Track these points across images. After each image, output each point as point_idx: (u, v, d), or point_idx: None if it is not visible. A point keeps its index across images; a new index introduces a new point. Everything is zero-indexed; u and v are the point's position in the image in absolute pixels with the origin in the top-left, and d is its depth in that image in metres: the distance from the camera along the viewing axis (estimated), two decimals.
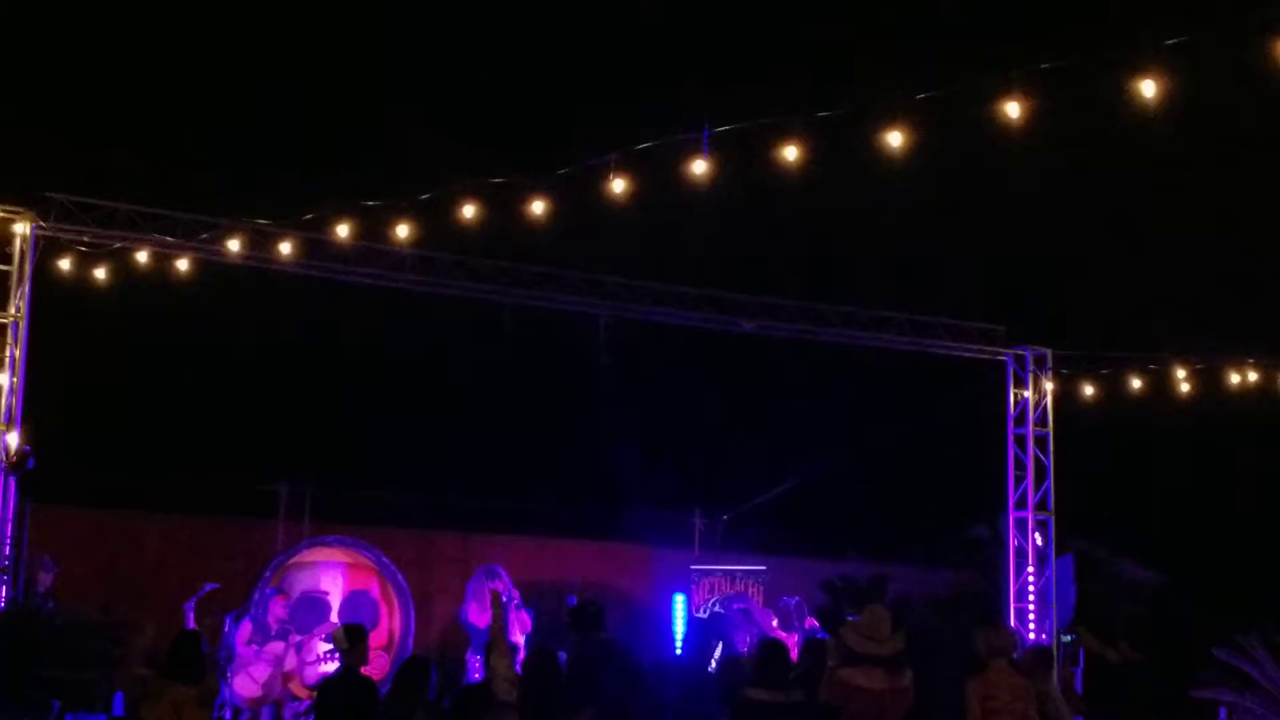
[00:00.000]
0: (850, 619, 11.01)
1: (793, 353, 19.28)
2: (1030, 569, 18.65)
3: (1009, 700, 10.96)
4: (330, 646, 17.23)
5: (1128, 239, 21.42)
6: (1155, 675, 13.28)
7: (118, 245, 15.10)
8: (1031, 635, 18.28)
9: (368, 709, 9.82)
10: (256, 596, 16.62)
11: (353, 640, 10.31)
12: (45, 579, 15.51)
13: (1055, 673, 13.67)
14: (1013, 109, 11.78)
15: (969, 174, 18.00)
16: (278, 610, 16.60)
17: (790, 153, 12.84)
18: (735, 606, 18.27)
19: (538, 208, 14.13)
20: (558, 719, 10.07)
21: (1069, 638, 14.60)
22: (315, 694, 11.38)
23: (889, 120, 12.34)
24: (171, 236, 15.15)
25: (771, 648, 10.48)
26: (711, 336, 18.10)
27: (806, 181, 13.32)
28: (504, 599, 16.91)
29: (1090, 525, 20.72)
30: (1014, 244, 21.05)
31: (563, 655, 11.80)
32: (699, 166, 13.15)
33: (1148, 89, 11.24)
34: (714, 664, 16.32)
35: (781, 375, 21.39)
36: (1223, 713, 18.89)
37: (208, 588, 16.23)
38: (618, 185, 13.42)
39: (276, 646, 16.33)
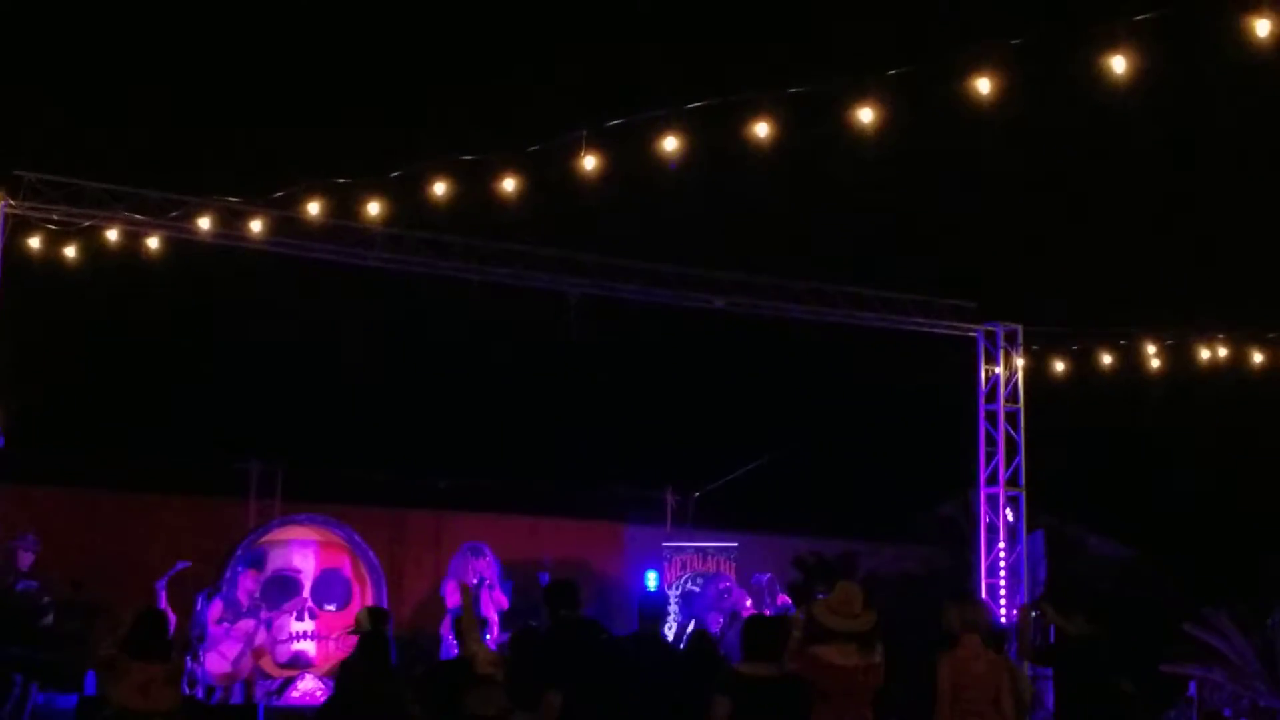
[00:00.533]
0: (820, 595, 11.03)
1: (764, 329, 19.31)
2: (1001, 545, 18.70)
3: (983, 674, 11.01)
4: (303, 626, 17.33)
5: (1097, 215, 21.48)
6: (1113, 650, 13.40)
7: (87, 224, 15.04)
8: (1003, 612, 18.33)
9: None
10: (228, 574, 16.60)
11: (374, 622, 10.76)
12: (26, 558, 15.46)
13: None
14: (983, 85, 11.81)
15: (939, 151, 18.03)
16: (248, 584, 16.59)
17: (761, 129, 12.84)
18: (721, 586, 18.25)
19: (508, 185, 14.10)
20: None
21: (1034, 613, 14.67)
22: (336, 673, 11.56)
23: (859, 97, 12.36)
24: (141, 215, 15.10)
25: (760, 623, 10.57)
26: (682, 313, 18.10)
27: (777, 158, 13.32)
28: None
29: (1061, 501, 20.80)
30: (985, 220, 21.09)
31: None
32: (670, 143, 13.15)
33: (1117, 65, 11.28)
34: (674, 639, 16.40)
35: (753, 352, 21.39)
36: (1192, 686, 19.05)
37: (179, 566, 16.19)
38: (588, 162, 13.40)
39: (247, 624, 16.32)
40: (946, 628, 11.36)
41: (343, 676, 11.14)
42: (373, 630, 10.92)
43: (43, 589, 15.33)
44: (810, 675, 9.86)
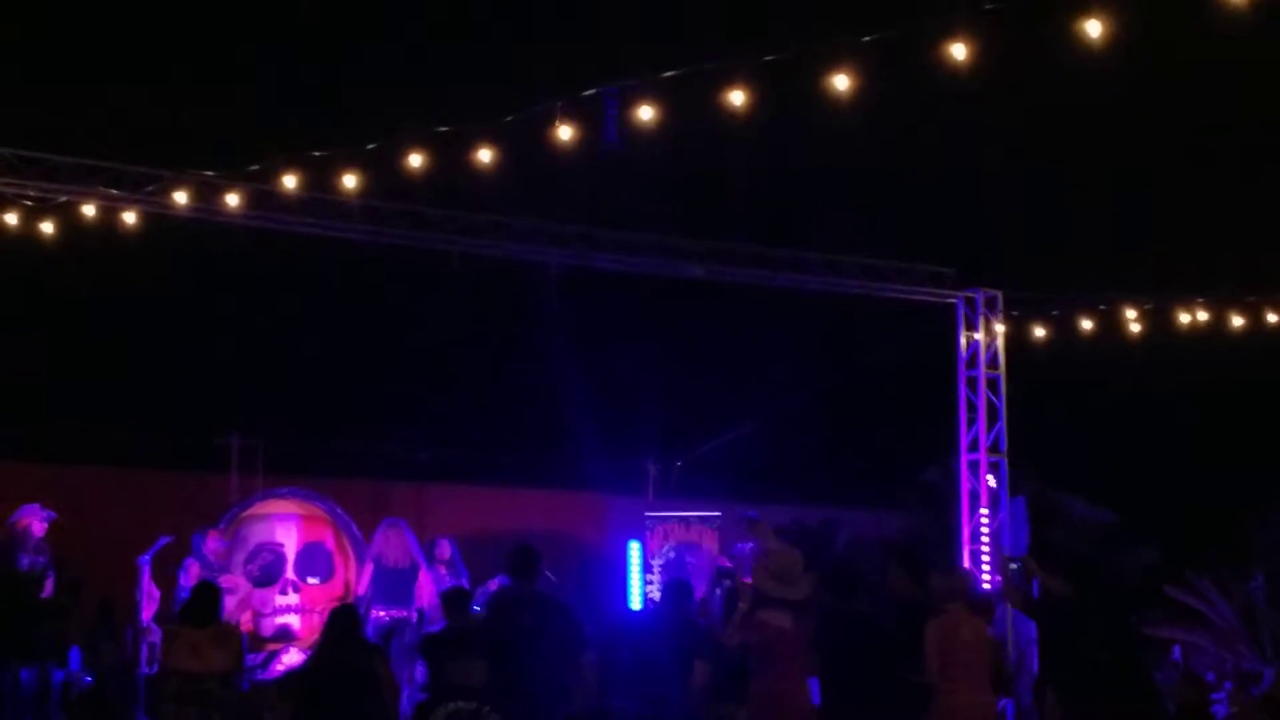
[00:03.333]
0: (763, 559, 11.05)
1: (744, 298, 19.30)
2: (983, 511, 18.71)
3: (971, 641, 11.11)
4: (287, 600, 17.34)
5: (1076, 179, 21.46)
6: (1094, 614, 13.54)
7: (64, 199, 14.98)
8: (985, 578, 18.36)
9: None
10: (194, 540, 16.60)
11: (457, 604, 11.87)
12: (39, 528, 15.48)
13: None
14: (960, 50, 11.78)
15: (917, 117, 17.99)
16: (212, 545, 16.56)
17: (738, 97, 12.81)
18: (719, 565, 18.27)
19: (485, 156, 14.06)
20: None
21: (1014, 565, 14.79)
22: (423, 648, 12.14)
23: (835, 62, 12.31)
24: (118, 190, 15.05)
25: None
26: (663, 282, 18.10)
27: (754, 126, 13.29)
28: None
29: (1043, 467, 20.84)
30: (963, 186, 21.06)
31: None
32: (645, 111, 13.13)
33: (1094, 29, 11.25)
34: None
35: (733, 320, 21.39)
36: (1175, 650, 19.14)
37: (161, 542, 16.20)
38: (564, 132, 13.37)
39: (226, 579, 16.32)
40: (930, 596, 11.46)
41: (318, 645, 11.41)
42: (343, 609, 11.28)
43: (49, 562, 15.39)
44: (755, 641, 9.96)
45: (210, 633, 11.15)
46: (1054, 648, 12.12)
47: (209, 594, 11.69)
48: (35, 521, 15.50)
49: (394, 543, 17.28)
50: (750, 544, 18.29)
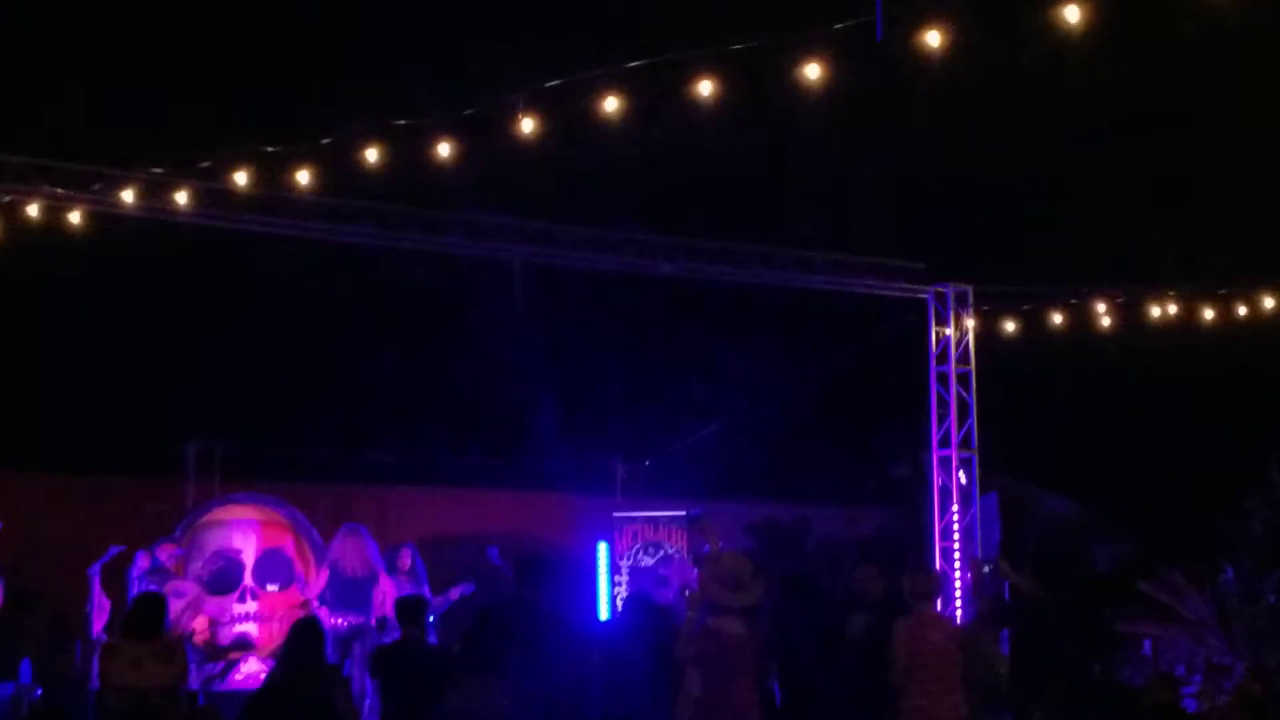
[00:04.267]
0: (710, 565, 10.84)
1: (713, 294, 19.17)
2: (955, 507, 18.64)
3: (942, 643, 10.99)
4: (245, 607, 17.03)
5: (1047, 175, 21.35)
6: (1063, 611, 13.53)
7: (7, 199, 14.61)
8: (957, 574, 18.27)
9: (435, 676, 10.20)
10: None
11: (413, 614, 11.40)
12: None
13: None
14: (932, 38, 11.59)
15: (888, 111, 17.86)
16: (166, 553, 16.24)
17: (705, 89, 12.58)
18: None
19: (445, 150, 13.75)
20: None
21: (987, 568, 14.69)
22: (374, 662, 11.79)
23: (806, 55, 12.11)
24: (63, 189, 14.69)
25: None
26: (629, 279, 17.93)
27: (723, 120, 13.11)
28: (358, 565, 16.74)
29: (1014, 462, 20.75)
30: (934, 181, 20.95)
31: None
32: (610, 104, 12.86)
33: (1071, 15, 11.08)
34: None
35: (702, 317, 21.23)
36: (1147, 645, 19.05)
37: (112, 552, 15.89)
38: (526, 125, 13.10)
39: (177, 584, 16.01)
40: (901, 596, 11.36)
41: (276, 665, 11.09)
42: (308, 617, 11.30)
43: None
44: (710, 651, 9.83)
45: (153, 646, 10.82)
46: (1022, 646, 12.03)
47: (151, 605, 11.29)
48: None
49: (352, 550, 16.95)
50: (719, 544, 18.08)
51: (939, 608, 11.88)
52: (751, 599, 10.20)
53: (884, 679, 10.94)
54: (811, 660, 11.37)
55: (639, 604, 11.86)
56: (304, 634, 10.38)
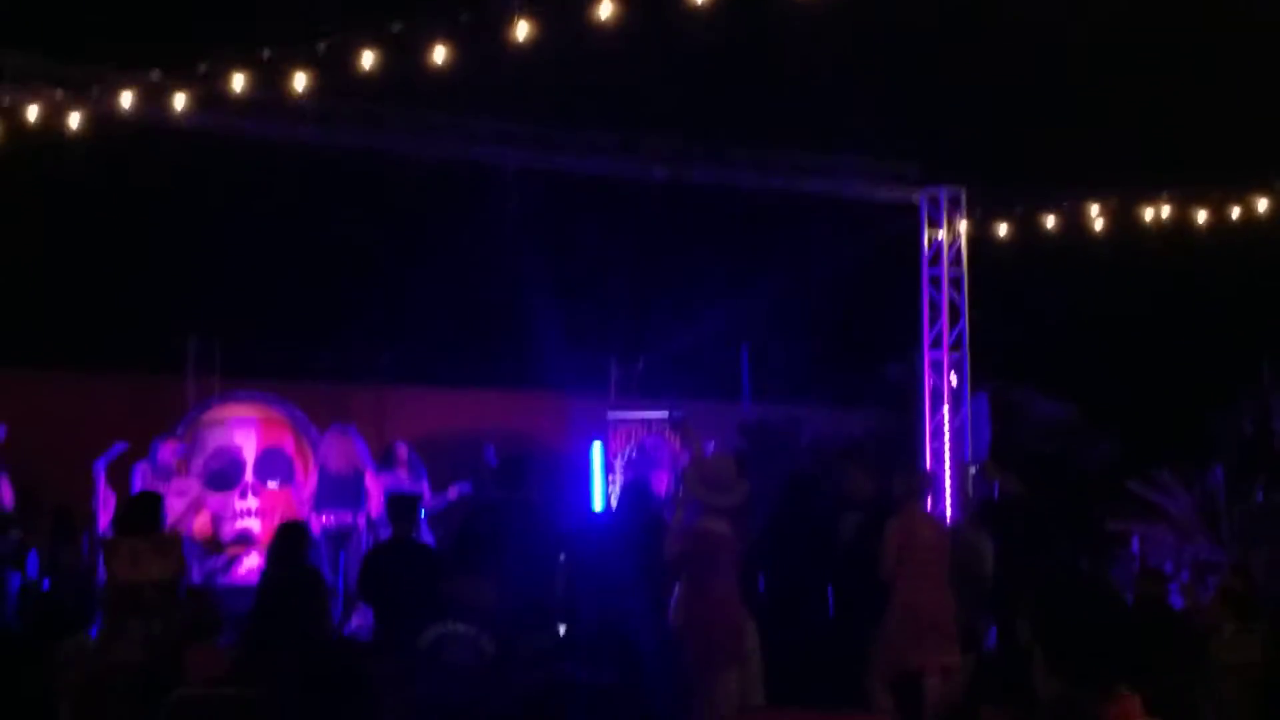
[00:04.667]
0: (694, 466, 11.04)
1: (706, 197, 19.17)
2: (945, 408, 18.78)
3: (931, 539, 11.22)
4: (246, 504, 17.26)
5: (1040, 75, 21.29)
6: (1048, 508, 13.72)
7: (7, 101, 14.69)
8: (948, 475, 18.45)
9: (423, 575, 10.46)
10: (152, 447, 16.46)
11: (402, 512, 11.63)
12: None
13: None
14: None
15: (879, 11, 17.80)
16: (168, 450, 16.42)
17: None
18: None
19: (439, 55, 13.80)
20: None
21: (974, 469, 14.88)
22: (365, 561, 12.01)
23: None
24: (61, 91, 14.76)
25: None
26: (623, 183, 17.96)
27: (714, 23, 13.12)
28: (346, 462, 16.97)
29: (1005, 364, 20.87)
30: (925, 82, 20.89)
31: None
32: (605, 9, 12.89)
33: None
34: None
35: (695, 220, 21.26)
36: (1135, 543, 19.28)
37: (118, 448, 16.07)
38: (521, 30, 13.13)
39: (182, 483, 16.22)
40: (891, 494, 11.56)
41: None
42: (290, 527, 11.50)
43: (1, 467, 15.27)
44: (696, 550, 9.98)
45: (150, 541, 11.00)
46: (1008, 544, 12.22)
47: (148, 503, 11.56)
48: None
49: (338, 449, 17.16)
50: (710, 444, 18.29)
51: (928, 507, 12.08)
52: (736, 499, 10.36)
53: (874, 577, 11.15)
54: (803, 558, 11.55)
55: (635, 493, 11.99)
56: (286, 535, 11.00)
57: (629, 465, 19.02)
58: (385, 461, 17.25)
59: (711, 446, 18.11)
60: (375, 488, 16.78)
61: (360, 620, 14.56)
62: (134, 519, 11.30)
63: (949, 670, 10.79)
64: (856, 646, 11.42)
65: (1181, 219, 18.86)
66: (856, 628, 11.65)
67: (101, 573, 15.11)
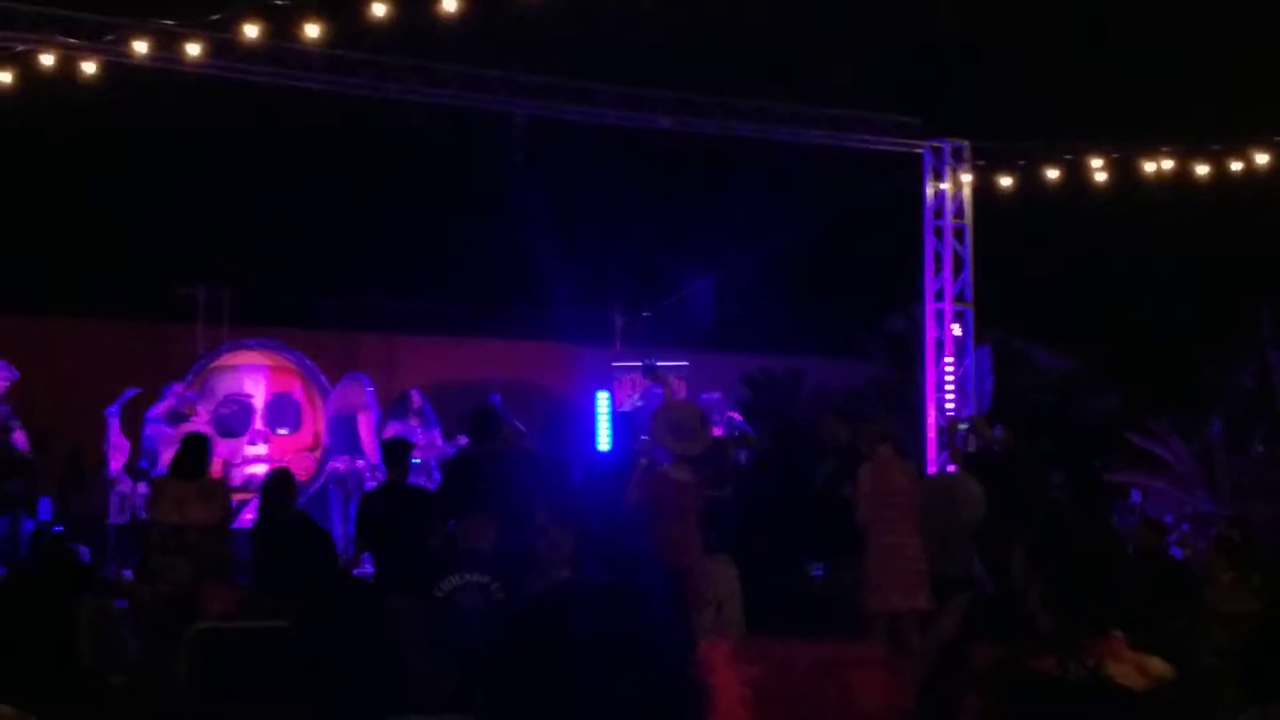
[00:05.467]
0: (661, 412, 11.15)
1: (711, 148, 19.21)
2: (948, 360, 18.84)
3: (905, 485, 11.44)
4: (255, 450, 17.43)
5: (1043, 28, 21.33)
6: (1037, 459, 13.90)
7: (21, 48, 14.76)
8: (956, 424, 18.50)
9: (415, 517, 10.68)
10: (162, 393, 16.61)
11: (395, 457, 11.70)
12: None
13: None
14: None
15: None
16: (178, 400, 16.55)
17: None
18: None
19: (450, 5, 13.90)
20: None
21: (964, 425, 14.99)
22: (359, 505, 12.24)
23: None
24: (75, 38, 14.84)
25: (715, 444, 10.90)
26: (628, 134, 18.01)
27: None
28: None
29: (1007, 316, 20.95)
30: (928, 34, 20.92)
31: None
32: None
33: None
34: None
35: (699, 172, 21.32)
36: (1135, 494, 19.41)
37: (129, 393, 16.21)
38: None
39: (189, 428, 16.35)
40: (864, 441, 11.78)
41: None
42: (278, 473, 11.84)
43: (11, 414, 15.35)
44: (652, 494, 10.09)
45: (196, 486, 11.25)
46: (996, 494, 12.39)
47: (196, 446, 11.73)
48: None
49: (348, 395, 17.41)
50: (716, 395, 18.43)
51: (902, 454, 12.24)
52: (700, 447, 10.44)
53: (846, 520, 11.39)
54: (781, 502, 11.75)
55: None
56: (272, 484, 11.37)
57: (635, 412, 19.15)
58: (398, 409, 17.42)
59: (716, 397, 18.31)
60: (367, 434, 16.98)
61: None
62: (182, 462, 11.56)
63: (924, 611, 11.00)
64: (831, 588, 11.69)
65: (1183, 173, 18.87)
66: (831, 570, 11.98)
67: (113, 513, 15.40)
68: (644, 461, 10.83)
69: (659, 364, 19.19)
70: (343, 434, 17.23)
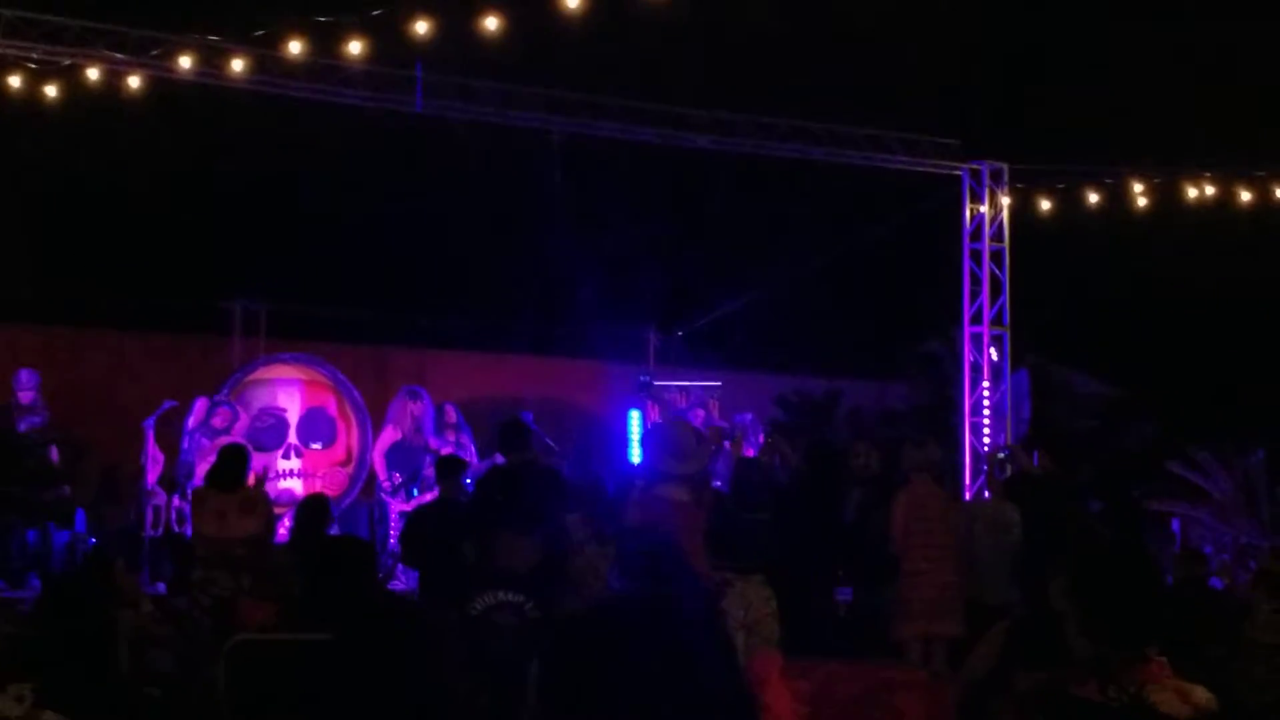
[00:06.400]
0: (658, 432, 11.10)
1: (747, 168, 19.20)
2: (985, 383, 18.76)
3: (938, 513, 11.40)
4: (289, 464, 17.46)
5: (1083, 49, 21.28)
6: (1074, 485, 13.82)
7: (67, 62, 14.85)
8: (986, 449, 18.46)
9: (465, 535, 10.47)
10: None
11: (447, 472, 11.80)
12: (25, 395, 15.46)
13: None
14: None
15: None
16: (213, 414, 16.57)
17: None
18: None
19: (490, 23, 13.94)
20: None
21: (1003, 454, 14.90)
22: (406, 523, 12.39)
23: None
24: (121, 53, 14.92)
25: (750, 465, 10.86)
26: (665, 152, 18.01)
27: None
28: (410, 424, 17.08)
29: (1045, 340, 20.86)
30: (969, 56, 20.88)
31: None
32: None
33: None
34: None
35: (736, 190, 21.28)
36: (1175, 525, 19.30)
37: (166, 405, 16.26)
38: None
39: (224, 442, 16.38)
40: (900, 466, 11.77)
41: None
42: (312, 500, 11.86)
43: (49, 426, 15.40)
44: (648, 515, 10.02)
45: (236, 498, 11.26)
46: (1032, 519, 12.35)
47: (234, 457, 11.69)
48: (21, 392, 15.50)
49: (397, 411, 17.45)
50: (748, 415, 18.41)
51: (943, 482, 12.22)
52: (694, 467, 10.30)
53: (877, 552, 11.38)
54: (812, 530, 11.72)
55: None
56: (306, 509, 11.34)
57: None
58: (440, 425, 17.46)
59: (749, 417, 18.29)
60: (385, 442, 17.07)
61: (404, 581, 14.75)
62: (221, 474, 11.52)
63: (955, 638, 10.97)
64: (858, 613, 11.69)
65: (1225, 197, 18.79)
66: (860, 595, 12.10)
67: (149, 526, 15.43)
68: (639, 483, 10.76)
69: (656, 381, 19.24)
70: (396, 450, 17.26)
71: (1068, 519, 11.75)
